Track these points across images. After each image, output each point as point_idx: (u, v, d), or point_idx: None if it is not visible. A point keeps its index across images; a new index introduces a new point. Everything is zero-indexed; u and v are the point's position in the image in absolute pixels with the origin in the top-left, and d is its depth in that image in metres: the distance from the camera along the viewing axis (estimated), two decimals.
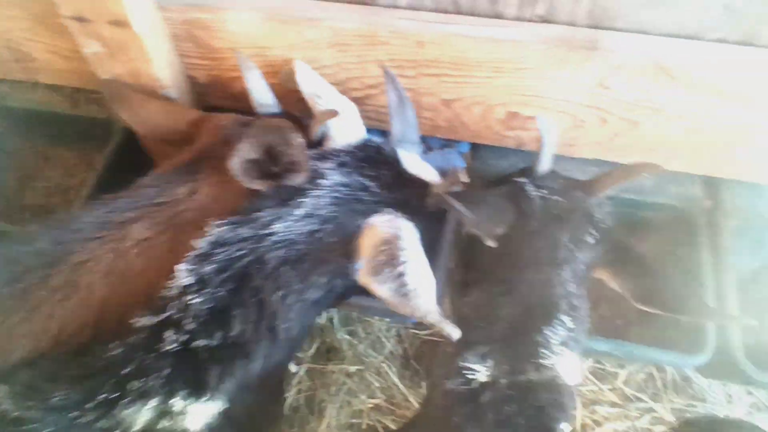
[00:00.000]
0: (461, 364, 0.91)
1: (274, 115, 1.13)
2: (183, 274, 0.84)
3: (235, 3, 1.15)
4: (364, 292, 0.94)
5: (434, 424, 0.95)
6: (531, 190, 1.01)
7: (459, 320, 0.93)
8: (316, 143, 1.09)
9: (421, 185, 1.08)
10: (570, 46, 1.02)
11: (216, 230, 0.89)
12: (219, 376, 0.81)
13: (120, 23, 1.05)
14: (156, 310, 0.82)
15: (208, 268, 0.85)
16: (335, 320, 1.91)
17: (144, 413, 0.74)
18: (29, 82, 1.50)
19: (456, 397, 0.90)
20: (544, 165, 1.04)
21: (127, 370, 0.76)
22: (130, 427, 0.73)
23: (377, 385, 1.72)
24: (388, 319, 1.73)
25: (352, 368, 1.81)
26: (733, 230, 1.30)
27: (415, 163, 1.10)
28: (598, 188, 1.06)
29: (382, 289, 0.91)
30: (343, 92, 1.23)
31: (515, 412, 0.85)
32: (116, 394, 0.74)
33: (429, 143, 1.43)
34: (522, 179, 1.04)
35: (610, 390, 1.81)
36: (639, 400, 1.69)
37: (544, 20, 1.07)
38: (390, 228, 0.94)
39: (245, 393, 0.85)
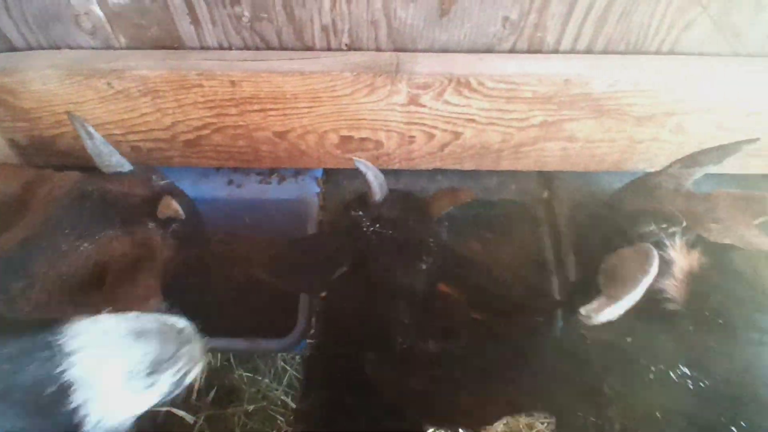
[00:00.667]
0: None
1: (123, 174, 1.07)
2: None
3: (34, 61, 1.09)
4: None
5: None
6: (366, 225, 1.05)
7: None
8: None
9: None
10: (375, 71, 1.07)
11: None
12: None
13: None
14: None
15: None
16: (232, 360, 1.86)
17: None
18: None
19: None
20: (377, 197, 1.08)
21: None
22: None
23: (281, 418, 1.69)
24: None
25: (251, 407, 1.77)
26: (568, 215, 1.42)
27: None
28: (434, 211, 1.12)
29: None
30: (174, 137, 1.21)
31: None
32: None
33: (281, 173, 1.44)
34: (358, 213, 1.08)
35: None
36: None
37: (351, 48, 1.11)
38: None
39: None
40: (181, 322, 0.72)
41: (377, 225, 1.06)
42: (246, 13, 1.04)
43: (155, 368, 0.67)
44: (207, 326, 0.78)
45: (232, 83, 1.08)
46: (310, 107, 1.14)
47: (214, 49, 1.11)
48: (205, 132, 1.21)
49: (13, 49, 1.12)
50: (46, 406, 0.61)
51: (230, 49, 1.11)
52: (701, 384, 0.76)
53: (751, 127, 1.17)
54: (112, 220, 0.99)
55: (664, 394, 0.77)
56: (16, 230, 0.93)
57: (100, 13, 1.05)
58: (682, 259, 0.89)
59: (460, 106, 1.13)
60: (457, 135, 1.21)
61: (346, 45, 1.11)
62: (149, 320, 0.69)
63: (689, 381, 0.77)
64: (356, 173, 1.44)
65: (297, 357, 1.79)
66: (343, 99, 1.12)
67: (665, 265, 0.86)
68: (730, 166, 1.03)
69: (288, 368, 1.80)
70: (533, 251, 1.38)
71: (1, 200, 1.03)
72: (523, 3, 1.03)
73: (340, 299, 1.05)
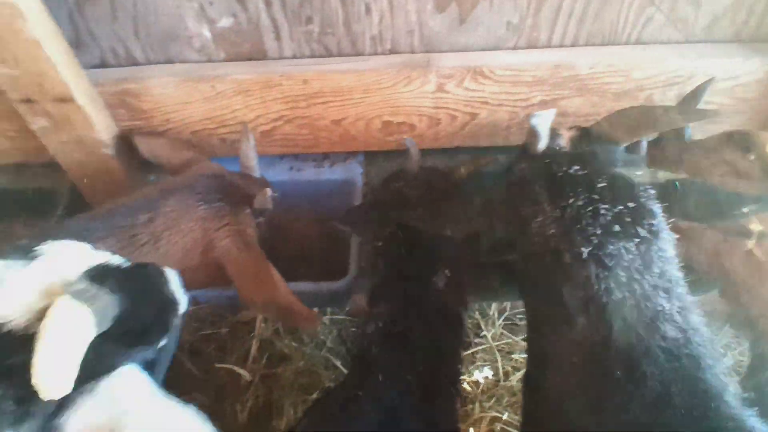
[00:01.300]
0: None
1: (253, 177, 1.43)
2: None
3: (154, 72, 1.46)
4: None
5: None
6: (407, 190, 1.38)
7: None
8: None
9: None
10: (411, 67, 1.42)
11: None
12: None
13: (64, 100, 1.32)
14: None
15: None
16: (281, 331, 2.17)
17: None
18: None
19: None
20: (415, 168, 1.41)
21: None
22: None
23: (326, 374, 1.97)
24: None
25: (301, 363, 2.06)
26: None
27: None
28: (459, 176, 1.45)
29: None
30: (254, 128, 1.56)
31: None
32: None
33: (332, 158, 1.78)
34: (400, 183, 1.40)
35: (522, 340, 2.19)
36: None
37: (392, 52, 1.47)
38: None
39: None
40: None
41: (414, 189, 1.38)
42: (316, 29, 1.41)
43: None
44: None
45: (304, 81, 1.44)
46: (362, 98, 1.49)
47: (290, 58, 1.47)
48: (279, 123, 1.56)
49: (136, 63, 1.49)
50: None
51: (302, 57, 1.47)
52: None
53: (706, 98, 1.49)
54: (226, 197, 1.32)
55: None
56: (162, 184, 1.28)
57: (209, 35, 1.42)
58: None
59: (476, 90, 1.48)
60: (474, 116, 1.55)
61: (388, 50, 1.47)
62: None
63: None
64: (392, 156, 1.79)
65: (334, 329, 2.10)
66: (387, 90, 1.47)
67: None
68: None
69: (323, 338, 2.10)
70: None
71: (166, 165, 1.42)
72: (522, 10, 1.38)
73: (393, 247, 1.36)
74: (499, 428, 2.03)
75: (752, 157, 1.41)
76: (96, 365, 0.80)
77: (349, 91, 1.47)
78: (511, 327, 2.23)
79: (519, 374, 2.07)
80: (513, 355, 2.14)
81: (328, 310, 2.10)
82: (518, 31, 1.43)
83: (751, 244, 1.30)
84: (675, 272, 1.01)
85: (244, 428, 1.91)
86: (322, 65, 1.44)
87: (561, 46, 1.47)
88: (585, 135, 1.27)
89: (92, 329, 0.75)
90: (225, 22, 1.39)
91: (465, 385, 2.10)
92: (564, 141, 1.29)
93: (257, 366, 2.06)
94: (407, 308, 1.18)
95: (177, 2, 1.35)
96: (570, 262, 1.01)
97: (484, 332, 2.19)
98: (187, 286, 1.04)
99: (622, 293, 0.95)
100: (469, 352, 2.19)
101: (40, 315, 0.73)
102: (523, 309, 2.27)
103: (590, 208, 1.01)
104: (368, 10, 1.36)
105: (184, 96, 1.47)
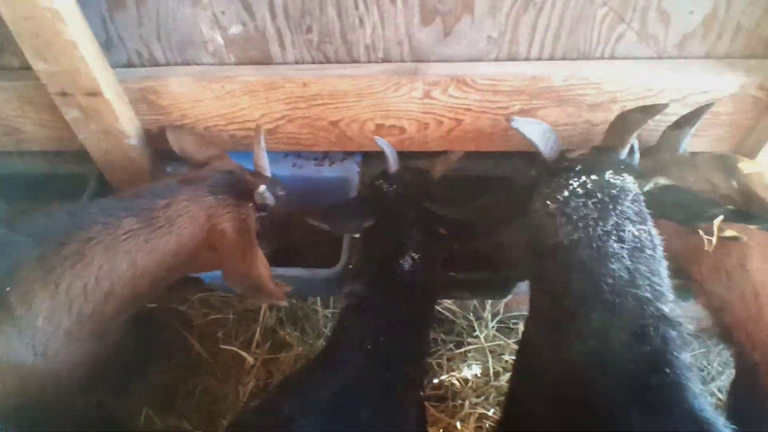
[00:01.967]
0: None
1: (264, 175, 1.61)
2: None
3: (173, 72, 1.65)
4: None
5: None
6: (386, 187, 1.52)
7: None
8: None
9: None
10: (400, 74, 1.57)
11: None
12: None
13: (95, 94, 1.52)
14: None
15: None
16: (284, 319, 2.32)
17: None
18: (15, 152, 1.92)
19: None
20: (392, 168, 1.55)
21: None
22: None
23: None
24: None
25: (301, 350, 2.20)
26: None
27: None
28: (435, 172, 1.58)
29: None
30: (259, 126, 1.73)
31: None
32: None
33: (331, 158, 1.94)
34: (380, 180, 1.54)
35: (514, 342, 2.28)
36: None
37: (384, 60, 1.62)
38: None
39: None
40: None
41: (392, 186, 1.51)
42: (315, 38, 1.58)
43: None
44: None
45: (304, 84, 1.60)
46: (356, 101, 1.64)
47: (292, 63, 1.64)
48: (282, 122, 1.72)
49: (157, 64, 1.68)
50: None
51: (303, 63, 1.64)
52: None
53: (675, 111, 1.58)
54: (232, 191, 1.48)
55: None
56: (182, 175, 1.48)
57: (221, 41, 1.61)
58: None
59: (460, 98, 1.61)
60: (459, 122, 1.68)
61: (380, 58, 1.62)
62: None
63: None
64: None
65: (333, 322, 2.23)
66: (378, 95, 1.61)
67: None
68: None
69: (326, 330, 2.23)
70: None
71: (190, 159, 1.60)
72: (500, 26, 1.51)
73: (370, 236, 1.49)
74: (487, 425, 2.11)
75: (734, 183, 1.51)
76: None
77: (344, 95, 1.62)
78: (504, 330, 2.32)
79: (509, 375, 2.15)
80: (504, 357, 2.23)
81: (330, 302, 2.25)
82: (498, 45, 1.56)
83: (707, 245, 1.38)
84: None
85: (244, 407, 2.05)
86: (320, 70, 1.60)
87: (539, 59, 1.59)
88: (596, 151, 1.40)
89: None
90: (235, 29, 1.57)
91: (454, 381, 2.20)
92: (575, 153, 1.41)
93: (260, 351, 2.22)
94: (374, 286, 1.31)
95: (193, 11, 1.54)
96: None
97: (477, 333, 2.29)
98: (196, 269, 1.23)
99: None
100: (461, 350, 2.29)
101: None
102: (516, 313, 2.37)
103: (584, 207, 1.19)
104: (362, 22, 1.52)
105: (198, 94, 1.65)
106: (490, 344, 2.28)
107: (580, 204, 1.20)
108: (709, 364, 2.24)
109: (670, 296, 1.13)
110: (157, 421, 1.99)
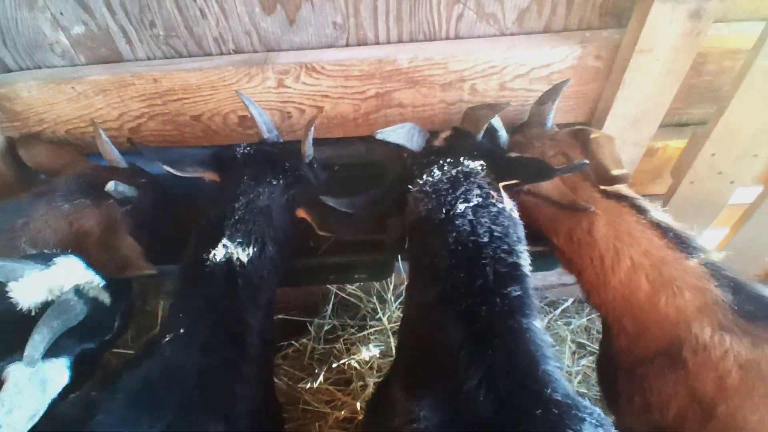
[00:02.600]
0: None
1: (121, 169, 1.60)
2: None
3: (21, 77, 1.62)
4: None
5: None
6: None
7: None
8: None
9: None
10: (250, 65, 1.57)
11: None
12: None
13: None
14: None
15: None
16: None
17: None
18: None
19: None
20: (264, 133, 1.57)
21: None
22: None
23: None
24: None
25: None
26: None
27: None
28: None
29: None
30: (121, 125, 1.71)
31: None
32: None
33: None
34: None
35: None
36: None
37: (236, 51, 1.63)
38: None
39: None
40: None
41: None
42: (161, 33, 1.56)
43: None
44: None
45: (155, 80, 1.59)
46: (212, 95, 1.64)
47: (144, 59, 1.62)
48: (143, 120, 1.71)
49: (9, 70, 1.65)
50: None
51: (155, 59, 1.62)
52: None
53: (524, 86, 1.64)
54: (87, 192, 1.47)
55: None
56: (34, 189, 1.45)
57: (66, 42, 1.58)
58: None
59: (314, 85, 1.62)
60: (320, 109, 1.70)
61: (232, 50, 1.62)
62: None
63: None
64: None
65: None
66: (232, 86, 1.62)
67: None
68: None
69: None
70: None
71: (48, 171, 1.60)
72: (342, 11, 1.53)
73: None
74: None
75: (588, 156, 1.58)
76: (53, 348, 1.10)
77: (198, 89, 1.62)
78: None
79: None
80: None
81: None
82: (345, 30, 1.58)
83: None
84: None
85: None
86: (168, 65, 1.59)
87: (388, 42, 1.62)
88: (456, 132, 1.52)
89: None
90: (78, 29, 1.55)
91: (353, 363, 2.24)
92: (440, 140, 1.50)
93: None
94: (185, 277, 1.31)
95: (32, 14, 1.51)
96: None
97: (380, 315, 2.33)
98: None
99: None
100: (363, 333, 2.33)
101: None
102: None
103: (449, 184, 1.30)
104: (203, 14, 1.52)
105: (50, 98, 1.62)
106: (392, 325, 2.32)
107: (436, 180, 1.32)
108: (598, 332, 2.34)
109: (518, 246, 1.23)
110: None
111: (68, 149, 1.71)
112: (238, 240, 1.29)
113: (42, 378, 1.09)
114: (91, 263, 1.37)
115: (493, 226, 1.21)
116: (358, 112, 1.71)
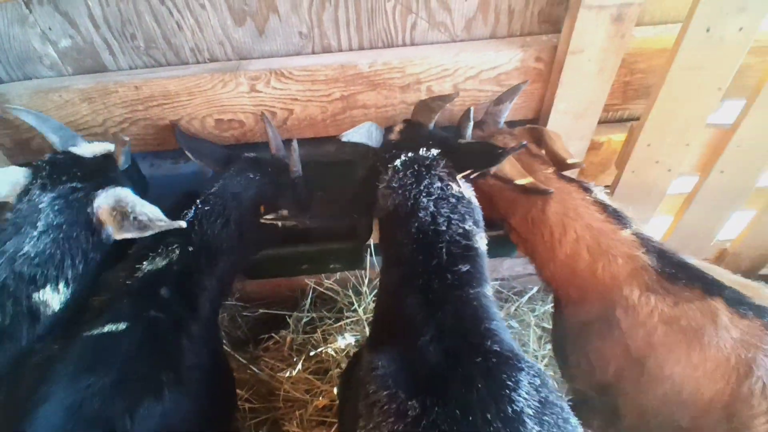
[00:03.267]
0: None
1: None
2: None
3: (11, 88, 1.75)
4: None
5: None
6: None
7: None
8: None
9: None
10: (223, 71, 1.72)
11: None
12: None
13: None
14: None
15: None
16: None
17: None
18: None
19: None
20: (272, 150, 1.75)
21: None
22: None
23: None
24: None
25: None
26: None
27: None
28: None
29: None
30: (106, 131, 1.85)
31: None
32: None
33: (185, 156, 2.07)
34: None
35: None
36: None
37: (212, 60, 1.78)
38: None
39: None
40: None
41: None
42: (142, 45, 1.72)
43: None
44: None
45: (136, 87, 1.74)
46: (189, 100, 1.78)
47: (126, 69, 1.77)
48: (126, 125, 1.85)
49: (1, 81, 1.78)
50: None
51: (136, 68, 1.77)
52: None
53: (475, 86, 1.81)
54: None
55: None
56: None
57: (54, 54, 1.72)
58: None
59: (283, 89, 1.78)
60: (290, 111, 1.85)
61: (208, 59, 1.77)
62: None
63: None
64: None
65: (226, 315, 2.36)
66: (208, 92, 1.77)
67: None
68: None
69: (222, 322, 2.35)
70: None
71: None
72: (306, 22, 1.70)
73: None
74: None
75: (542, 150, 1.75)
76: None
77: (176, 95, 1.77)
78: None
79: None
80: None
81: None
82: (310, 39, 1.75)
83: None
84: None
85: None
86: (149, 73, 1.74)
87: (350, 50, 1.78)
88: (409, 125, 1.68)
89: None
90: (65, 42, 1.69)
91: (330, 351, 2.36)
92: (395, 134, 1.65)
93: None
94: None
95: (23, 30, 1.65)
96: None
97: (356, 306, 2.46)
98: None
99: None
100: (339, 324, 2.46)
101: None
102: None
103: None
104: (180, 26, 1.67)
105: (39, 106, 1.76)
106: (367, 316, 2.46)
107: (401, 176, 1.46)
108: None
109: (475, 231, 1.39)
110: None
111: None
112: (206, 208, 1.48)
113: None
114: None
115: (452, 215, 1.37)
116: (325, 113, 1.87)
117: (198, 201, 1.54)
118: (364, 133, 1.63)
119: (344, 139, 1.59)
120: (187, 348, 1.35)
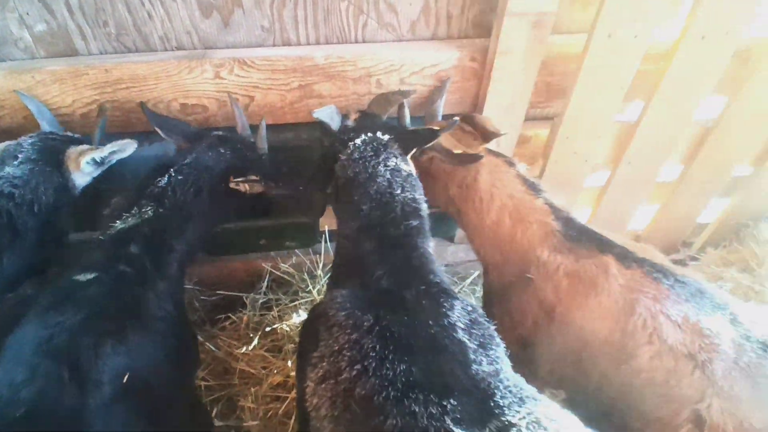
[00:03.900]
0: None
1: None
2: None
3: None
4: None
5: None
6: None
7: None
8: None
9: None
10: (190, 59, 1.89)
11: None
12: None
13: None
14: None
15: None
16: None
17: None
18: None
19: None
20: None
21: None
22: None
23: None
24: None
25: None
26: None
27: None
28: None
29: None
30: (73, 111, 1.97)
31: None
32: None
33: (152, 138, 2.20)
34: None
35: None
36: None
37: (178, 48, 1.94)
38: None
39: None
40: None
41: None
42: (113, 31, 1.86)
43: None
44: None
45: (106, 71, 1.87)
46: (156, 84, 1.93)
47: (97, 54, 1.91)
48: (93, 106, 1.97)
49: None
50: None
51: (107, 53, 1.91)
52: None
53: (419, 81, 2.05)
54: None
55: None
56: None
57: (29, 38, 1.84)
58: None
59: (246, 77, 1.96)
60: (251, 98, 2.03)
61: (174, 47, 1.94)
62: None
63: None
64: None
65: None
66: (174, 77, 1.92)
67: None
68: None
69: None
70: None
71: None
72: (269, 17, 1.90)
73: None
74: None
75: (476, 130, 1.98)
76: None
77: (144, 79, 1.91)
78: None
79: None
80: None
81: None
82: (272, 33, 1.94)
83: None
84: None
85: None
86: (119, 57, 1.88)
87: (308, 44, 1.99)
88: (363, 114, 1.87)
89: None
90: (40, 27, 1.82)
91: (285, 327, 2.51)
92: (351, 120, 1.84)
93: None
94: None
95: (2, 14, 1.77)
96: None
97: (310, 288, 2.62)
98: None
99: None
100: (295, 303, 2.61)
101: None
102: None
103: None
104: (150, 16, 1.84)
105: (12, 85, 1.87)
106: (322, 296, 2.62)
107: (362, 150, 1.66)
108: None
109: (421, 200, 1.60)
110: None
111: None
112: (179, 177, 1.64)
113: None
114: None
115: (404, 184, 1.59)
116: (284, 101, 2.05)
117: (171, 170, 1.68)
118: (329, 114, 1.80)
119: (315, 115, 1.75)
120: (152, 301, 1.48)
